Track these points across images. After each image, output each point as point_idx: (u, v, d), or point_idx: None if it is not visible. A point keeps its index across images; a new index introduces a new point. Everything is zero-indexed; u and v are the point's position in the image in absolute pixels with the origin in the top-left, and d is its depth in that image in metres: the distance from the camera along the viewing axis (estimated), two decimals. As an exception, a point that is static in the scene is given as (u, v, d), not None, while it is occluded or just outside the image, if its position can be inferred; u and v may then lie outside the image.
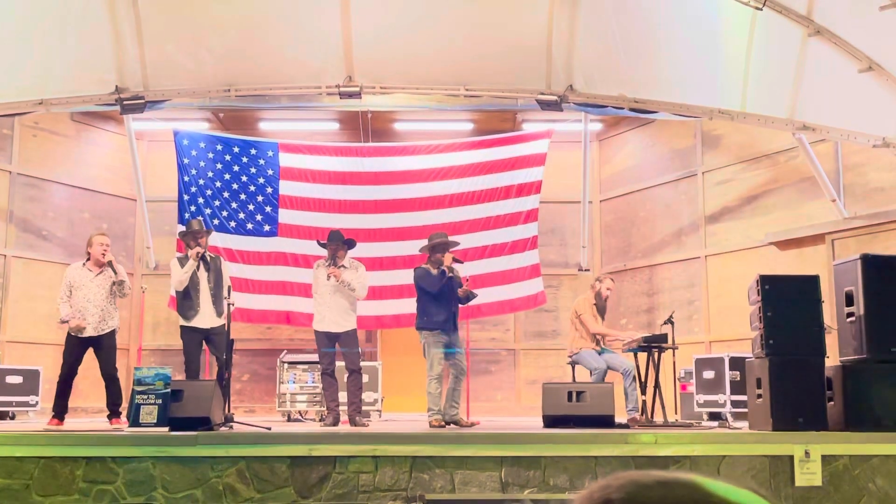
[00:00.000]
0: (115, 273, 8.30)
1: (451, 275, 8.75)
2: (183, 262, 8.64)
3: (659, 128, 13.02)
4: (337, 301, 8.82)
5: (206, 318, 8.40)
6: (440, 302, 8.67)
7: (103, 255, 8.29)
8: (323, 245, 9.10)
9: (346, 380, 8.84)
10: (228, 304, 8.39)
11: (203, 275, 8.57)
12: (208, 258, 8.71)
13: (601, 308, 9.49)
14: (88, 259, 8.38)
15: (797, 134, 9.92)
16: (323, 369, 8.89)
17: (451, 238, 9.24)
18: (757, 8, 8.71)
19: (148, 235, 13.23)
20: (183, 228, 12.13)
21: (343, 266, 8.87)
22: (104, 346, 8.26)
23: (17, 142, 12.20)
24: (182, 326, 8.62)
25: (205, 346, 8.62)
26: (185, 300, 8.59)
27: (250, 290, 12.03)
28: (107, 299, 8.30)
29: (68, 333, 8.24)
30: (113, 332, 8.35)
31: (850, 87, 8.86)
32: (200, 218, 11.05)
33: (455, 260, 8.85)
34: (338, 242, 8.95)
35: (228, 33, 9.84)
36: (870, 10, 8.08)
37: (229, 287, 8.67)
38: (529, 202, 12.58)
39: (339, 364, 8.99)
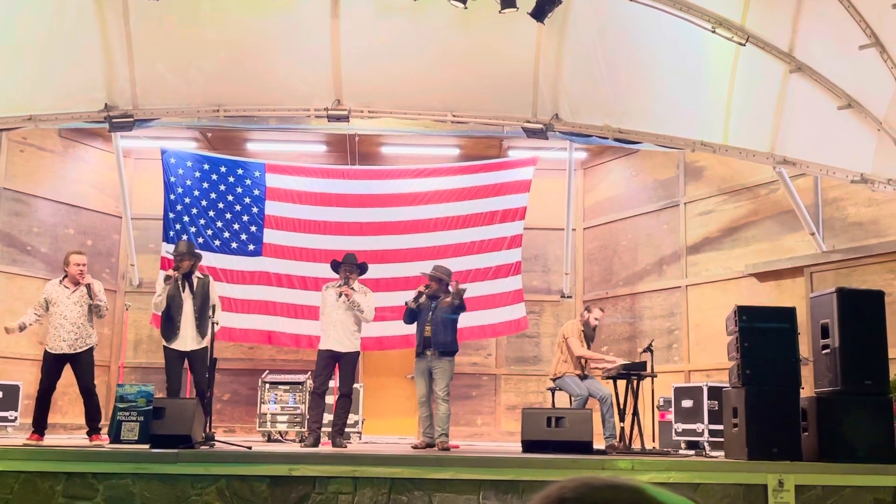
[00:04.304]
0: (91, 297, 8.32)
1: (423, 303, 8.95)
2: (167, 281, 8.67)
3: (642, 158, 13.16)
4: (343, 321, 8.93)
5: (186, 341, 8.39)
6: (417, 330, 9.08)
7: (80, 273, 8.31)
8: (336, 267, 9.21)
9: (335, 401, 8.92)
10: (213, 324, 8.32)
11: (188, 297, 8.56)
12: (194, 280, 8.69)
13: (589, 335, 9.57)
14: (66, 277, 8.41)
15: (777, 168, 10.07)
16: (314, 388, 8.96)
17: (437, 262, 9.48)
18: (740, 43, 8.88)
19: (132, 253, 13.25)
20: (167, 246, 12.23)
21: (353, 289, 8.99)
22: (81, 361, 8.26)
23: (3, 156, 12.20)
24: (164, 346, 8.65)
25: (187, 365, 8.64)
26: (168, 322, 8.60)
27: (233, 310, 12.02)
28: (83, 317, 8.29)
29: (45, 350, 8.26)
30: (90, 349, 8.35)
31: (830, 123, 9.01)
32: (185, 238, 11.04)
33: (427, 287, 9.10)
34: (351, 265, 9.09)
35: (219, 54, 9.93)
36: (849, 49, 8.25)
37: (214, 306, 8.60)
38: (513, 228, 12.68)
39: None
